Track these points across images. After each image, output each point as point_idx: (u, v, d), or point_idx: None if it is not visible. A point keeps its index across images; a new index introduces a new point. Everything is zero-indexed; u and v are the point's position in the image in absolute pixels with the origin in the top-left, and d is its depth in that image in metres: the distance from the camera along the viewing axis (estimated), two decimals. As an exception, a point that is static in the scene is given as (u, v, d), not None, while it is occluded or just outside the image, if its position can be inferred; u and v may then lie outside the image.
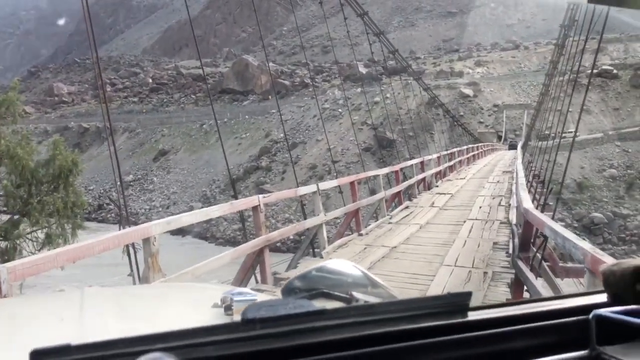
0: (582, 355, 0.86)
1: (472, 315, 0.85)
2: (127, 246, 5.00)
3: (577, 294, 1.05)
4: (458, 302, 0.85)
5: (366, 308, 0.88)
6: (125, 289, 1.95)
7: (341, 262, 1.30)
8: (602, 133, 42.83)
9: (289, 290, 1.19)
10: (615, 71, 50.91)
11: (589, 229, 33.38)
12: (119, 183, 7.07)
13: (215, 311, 1.14)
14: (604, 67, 51.32)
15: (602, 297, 0.98)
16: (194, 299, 1.56)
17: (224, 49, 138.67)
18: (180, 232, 42.56)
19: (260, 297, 1.29)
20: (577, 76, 13.45)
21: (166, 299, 1.59)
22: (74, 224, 20.71)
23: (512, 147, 43.00)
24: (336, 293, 1.14)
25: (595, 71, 42.13)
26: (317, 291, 1.14)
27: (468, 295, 0.86)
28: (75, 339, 0.65)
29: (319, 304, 0.86)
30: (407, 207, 12.11)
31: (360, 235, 8.92)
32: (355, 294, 1.13)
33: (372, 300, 1.12)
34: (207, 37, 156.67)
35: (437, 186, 16.48)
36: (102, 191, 59.36)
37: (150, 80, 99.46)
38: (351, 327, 0.77)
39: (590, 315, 0.87)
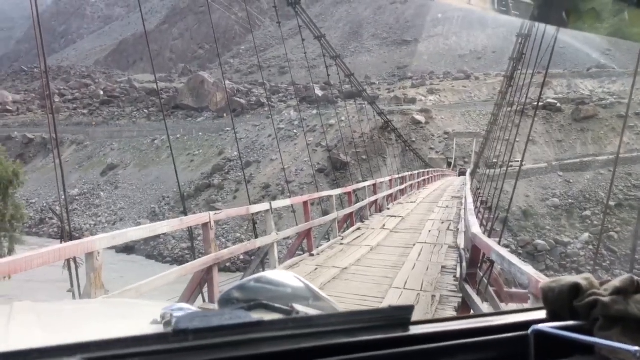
0: None
1: (414, 330, 0.85)
2: (69, 261, 4.77)
3: (518, 311, 1.06)
4: (399, 316, 0.84)
5: (305, 320, 0.85)
6: (60, 304, 1.83)
7: (282, 273, 1.25)
8: (546, 163, 44.67)
9: (226, 301, 1.13)
10: (559, 105, 53.43)
11: (532, 256, 34.51)
12: (62, 196, 6.78)
13: (153, 327, 1.06)
14: (549, 100, 53.78)
15: (542, 314, 1.00)
16: (131, 315, 1.47)
17: (180, 65, 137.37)
18: (126, 249, 41.42)
19: None
20: (524, 107, 14.01)
21: (102, 314, 1.50)
22: (11, 238, 19.75)
23: (462, 174, 44.17)
24: (276, 305, 1.08)
25: (540, 104, 44.08)
26: (256, 302, 1.08)
27: (410, 309, 0.85)
28: None
29: (257, 316, 0.82)
30: (358, 229, 12.17)
31: (312, 255, 8.88)
32: (296, 306, 1.08)
33: (313, 313, 1.06)
34: (163, 52, 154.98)
35: (388, 209, 16.67)
36: (44, 205, 57.02)
37: (102, 93, 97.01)
38: (289, 340, 0.75)
39: (529, 331, 0.88)
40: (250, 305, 1.07)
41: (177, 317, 0.79)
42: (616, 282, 0.98)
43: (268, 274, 1.22)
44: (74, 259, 4.79)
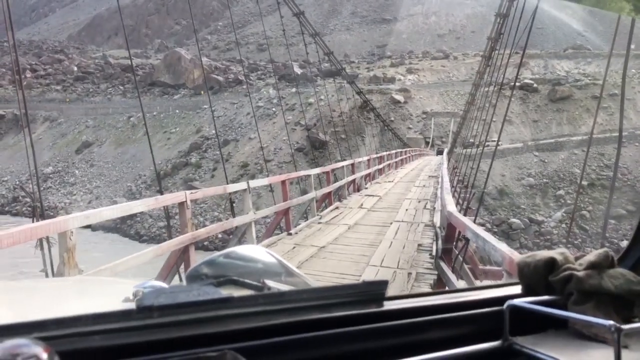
0: (496, 345, 0.87)
1: (388, 305, 0.84)
2: (41, 240, 4.68)
3: (493, 286, 1.07)
4: (374, 291, 0.84)
5: (277, 296, 0.84)
6: (33, 283, 1.78)
7: (253, 247, 1.21)
8: (522, 143, 45.21)
9: (194, 277, 1.08)
10: (535, 85, 53.93)
11: (507, 234, 35.10)
12: (34, 174, 6.63)
13: (126, 305, 1.01)
14: (526, 80, 54.23)
15: (517, 289, 1.01)
16: (104, 292, 1.43)
17: (156, 41, 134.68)
18: (102, 227, 40.95)
19: None
20: (501, 87, 14.11)
21: (71, 292, 1.45)
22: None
23: (440, 153, 44.47)
24: (246, 280, 1.04)
25: (517, 84, 44.45)
26: (226, 278, 1.04)
27: (384, 284, 0.85)
28: None
29: (227, 292, 0.80)
30: (336, 208, 12.21)
31: (290, 234, 8.89)
32: (268, 282, 1.04)
33: (286, 288, 1.03)
34: (139, 27, 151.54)
35: (366, 188, 16.74)
36: (17, 183, 55.87)
37: (76, 69, 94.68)
38: (259, 316, 0.74)
39: (504, 306, 0.89)
40: (220, 281, 1.03)
41: (143, 293, 0.77)
42: (591, 257, 0.99)
43: (238, 249, 1.18)
44: (47, 239, 4.70)
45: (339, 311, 0.79)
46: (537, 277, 0.99)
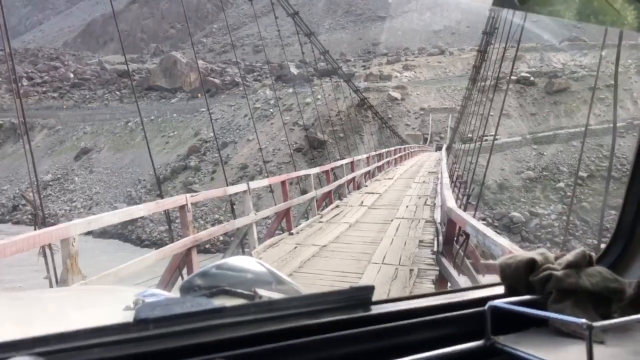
0: (478, 345, 0.89)
1: (375, 309, 0.87)
2: (44, 248, 4.70)
3: (477, 287, 1.11)
4: (360, 296, 0.87)
5: (267, 304, 0.86)
6: (35, 294, 1.81)
7: (244, 258, 1.26)
8: (520, 137, 45.22)
9: (188, 289, 1.13)
10: (532, 78, 53.96)
11: (508, 228, 35.11)
12: (34, 181, 6.64)
13: (126, 314, 1.05)
14: (522, 74, 54.26)
15: (499, 289, 1.05)
16: (104, 302, 1.47)
17: (152, 45, 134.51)
18: (103, 234, 40.97)
19: None
20: (497, 81, 14.11)
21: (74, 302, 1.49)
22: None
23: (439, 149, 44.51)
24: (238, 290, 1.08)
25: (514, 77, 44.45)
26: (218, 289, 1.09)
27: (370, 289, 0.87)
28: None
29: (220, 302, 0.83)
30: (337, 207, 12.23)
31: (291, 234, 8.92)
32: (259, 290, 1.09)
33: (277, 297, 1.07)
34: (134, 32, 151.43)
35: (366, 186, 16.76)
36: (17, 191, 55.86)
37: (72, 75, 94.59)
38: (251, 325, 0.77)
39: (486, 307, 0.92)
40: (213, 292, 1.07)
41: (139, 306, 0.80)
42: (569, 257, 1.03)
43: (230, 260, 1.22)
44: (49, 246, 4.72)
45: (327, 317, 0.82)
46: (518, 278, 1.02)
